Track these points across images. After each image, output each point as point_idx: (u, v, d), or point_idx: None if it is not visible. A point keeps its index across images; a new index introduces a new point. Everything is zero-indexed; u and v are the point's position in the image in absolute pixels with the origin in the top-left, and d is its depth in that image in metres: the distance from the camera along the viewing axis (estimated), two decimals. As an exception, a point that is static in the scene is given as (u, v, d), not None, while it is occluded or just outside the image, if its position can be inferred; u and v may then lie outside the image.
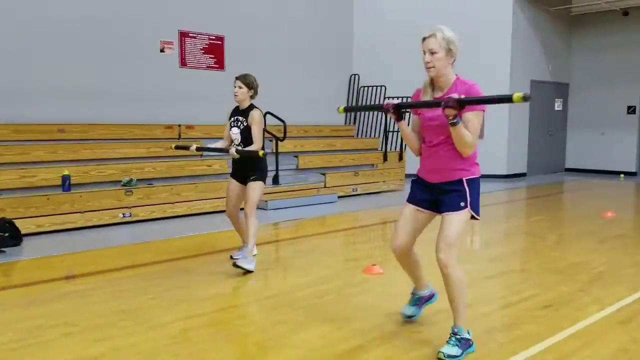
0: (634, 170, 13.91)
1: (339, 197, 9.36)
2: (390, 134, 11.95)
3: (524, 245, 6.37)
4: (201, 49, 10.11)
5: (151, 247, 5.89)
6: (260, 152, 4.73)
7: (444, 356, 3.01)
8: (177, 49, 9.80)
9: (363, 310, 3.87)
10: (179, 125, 9.28)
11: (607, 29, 14.07)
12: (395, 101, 3.13)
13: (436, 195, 3.17)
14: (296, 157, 9.72)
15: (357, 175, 10.02)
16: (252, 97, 4.97)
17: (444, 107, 2.84)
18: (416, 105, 3.19)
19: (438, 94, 3.14)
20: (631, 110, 13.91)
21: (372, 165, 10.96)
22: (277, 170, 8.95)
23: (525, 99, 2.63)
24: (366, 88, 12.68)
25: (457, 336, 3.09)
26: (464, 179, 3.09)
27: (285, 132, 8.92)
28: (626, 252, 5.77)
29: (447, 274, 3.05)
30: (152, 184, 7.49)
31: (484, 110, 3.06)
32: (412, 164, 12.28)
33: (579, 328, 3.62)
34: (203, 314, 3.78)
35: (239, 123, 4.92)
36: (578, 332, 3.56)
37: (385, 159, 11.10)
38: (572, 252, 5.77)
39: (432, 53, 3.09)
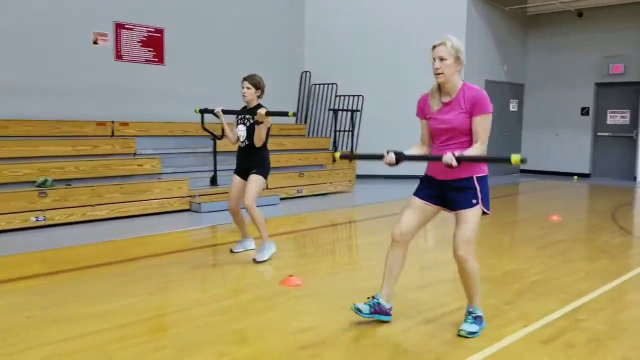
0: (587, 172, 13.87)
1: (281, 199, 8.95)
2: (340, 133, 11.61)
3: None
4: (139, 42, 9.56)
5: (56, 255, 5.37)
6: (291, 113, 5.04)
7: (465, 334, 3.35)
8: (111, 41, 9.24)
9: (263, 331, 3.47)
10: (112, 122, 8.72)
11: (561, 29, 14.00)
12: (394, 157, 3.27)
13: (445, 191, 3.33)
14: (237, 156, 9.26)
15: (303, 176, 9.61)
16: (259, 96, 5.24)
17: (444, 163, 3.08)
18: (416, 158, 3.46)
19: (446, 99, 3.34)
20: (585, 111, 13.87)
21: (322, 165, 10.59)
22: (215, 170, 8.48)
23: (522, 161, 2.89)
24: (318, 86, 12.30)
25: (473, 314, 3.43)
26: (474, 177, 3.28)
27: (223, 130, 8.41)
28: (564, 259, 5.51)
29: (465, 268, 3.32)
30: (70, 185, 6.94)
31: (490, 113, 3.26)
32: (364, 164, 12.08)
33: (499, 348, 3.29)
34: (72, 338, 3.30)
35: (246, 120, 5.16)
36: (497, 353, 3.22)
37: (334, 159, 10.73)
38: (509, 259, 5.49)
39: (442, 60, 3.25)
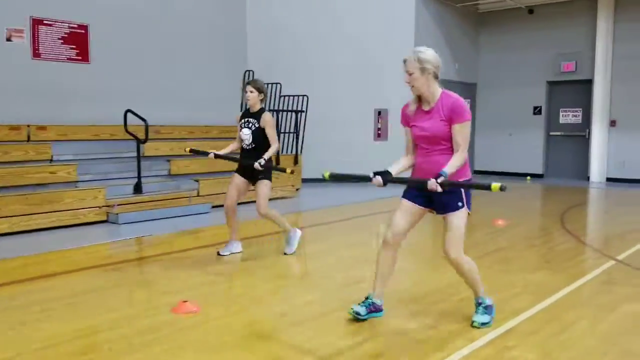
0: (540, 172, 13.64)
1: (213, 206, 8.33)
2: (284, 135, 11.05)
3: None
4: (59, 39, 8.83)
5: None
6: (288, 170, 5.15)
7: (478, 324, 3.51)
8: (28, 38, 8.48)
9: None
10: (28, 126, 7.97)
11: (513, 27, 13.74)
12: (381, 180, 3.36)
13: (431, 193, 3.34)
14: (168, 161, 8.61)
15: (239, 181, 8.99)
16: (262, 100, 5.33)
17: (429, 189, 3.21)
18: (403, 181, 3.53)
19: (426, 107, 3.46)
20: (537, 110, 13.64)
21: (264, 169, 9.98)
22: (139, 177, 7.80)
23: (502, 189, 3.00)
24: (261, 85, 11.73)
25: (482, 305, 3.59)
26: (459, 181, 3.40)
27: (147, 133, 7.79)
28: (503, 270, 5.07)
29: (460, 268, 3.51)
30: (-36, 197, 6.21)
31: (469, 120, 3.37)
32: (310, 168, 11.54)
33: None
34: None
35: (250, 124, 5.24)
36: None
37: (277, 162, 10.16)
38: (442, 272, 4.99)
39: (410, 74, 3.39)
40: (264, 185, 5.23)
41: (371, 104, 11.90)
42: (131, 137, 7.83)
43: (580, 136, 13.23)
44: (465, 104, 3.41)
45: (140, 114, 7.88)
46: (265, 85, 5.41)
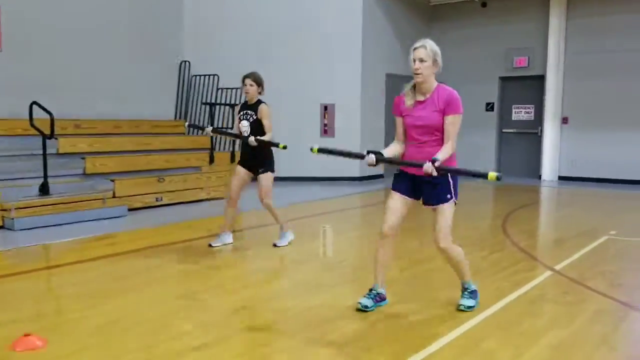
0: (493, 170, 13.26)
1: (130, 209, 7.61)
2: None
3: (277, 285, 4.78)
4: (-39, 22, 7.96)
5: None
6: (281, 145, 5.14)
7: (464, 308, 3.73)
8: None
9: None
10: None
11: (465, 21, 13.31)
12: (374, 158, 3.47)
13: (419, 185, 3.61)
14: (83, 159, 7.84)
15: (163, 181, 8.29)
16: (260, 93, 5.48)
17: (425, 173, 3.34)
18: (396, 162, 3.69)
19: (420, 98, 3.60)
20: (490, 107, 13.27)
21: (198, 168, 9.30)
22: (45, 177, 7.01)
23: (498, 178, 3.15)
24: (198, 77, 11.03)
25: (468, 290, 3.81)
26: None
27: (52, 128, 7.02)
28: (426, 285, 4.55)
29: (449, 256, 3.70)
30: None
31: (461, 114, 3.54)
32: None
33: None
34: None
35: (249, 116, 5.44)
36: None
37: (211, 160, 9.49)
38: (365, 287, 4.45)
39: (422, 61, 3.50)
40: (265, 180, 5.47)
41: (317, 99, 11.31)
42: (35, 132, 7.06)
43: (533, 133, 12.91)
44: (459, 98, 3.56)
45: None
46: (262, 77, 5.53)
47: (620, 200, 9.90)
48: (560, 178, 12.36)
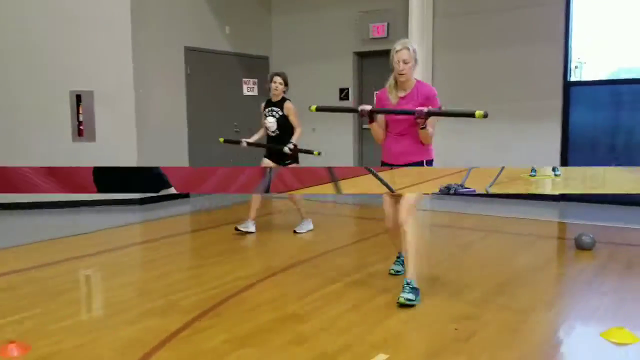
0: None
1: None
2: None
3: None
4: None
5: None
6: (316, 152, 5.74)
7: (405, 300, 3.80)
8: None
9: None
10: None
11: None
12: (369, 107, 3.94)
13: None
14: None
15: None
16: (284, 92, 5.96)
17: (416, 117, 3.75)
18: (390, 112, 3.99)
19: (401, 94, 3.99)
20: (344, 94, 10.02)
21: None
22: None
23: (485, 115, 3.42)
24: None
25: (410, 285, 3.89)
26: (424, 160, 4.00)
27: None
28: None
29: (405, 231, 3.92)
30: None
31: (440, 107, 3.95)
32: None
33: None
34: None
35: (274, 113, 5.91)
36: None
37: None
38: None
39: (405, 62, 3.88)
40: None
41: (65, 85, 7.61)
42: None
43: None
44: (435, 90, 3.97)
45: None
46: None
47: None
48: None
